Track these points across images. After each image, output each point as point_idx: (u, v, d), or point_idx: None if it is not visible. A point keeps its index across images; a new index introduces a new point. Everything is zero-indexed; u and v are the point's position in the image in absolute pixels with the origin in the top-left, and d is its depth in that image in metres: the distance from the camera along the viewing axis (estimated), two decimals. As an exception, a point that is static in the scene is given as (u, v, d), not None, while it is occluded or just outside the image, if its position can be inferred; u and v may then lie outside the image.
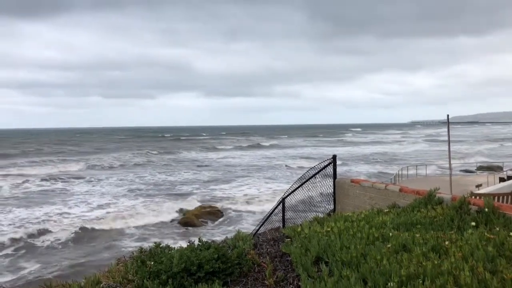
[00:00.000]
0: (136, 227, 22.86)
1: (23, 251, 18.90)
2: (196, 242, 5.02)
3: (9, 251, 18.88)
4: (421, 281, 3.29)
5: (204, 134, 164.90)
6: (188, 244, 5.10)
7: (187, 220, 24.05)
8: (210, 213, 25.76)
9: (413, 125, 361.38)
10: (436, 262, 3.64)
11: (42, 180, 40.15)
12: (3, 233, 21.34)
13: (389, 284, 3.33)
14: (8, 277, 15.80)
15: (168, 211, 26.23)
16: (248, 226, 21.75)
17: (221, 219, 24.88)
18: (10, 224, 23.11)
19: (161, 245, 5.01)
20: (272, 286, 4.09)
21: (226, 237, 6.18)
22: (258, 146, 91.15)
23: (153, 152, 73.68)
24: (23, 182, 38.81)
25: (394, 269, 3.57)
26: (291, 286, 4.05)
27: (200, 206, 26.98)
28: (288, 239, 5.40)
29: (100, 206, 28.15)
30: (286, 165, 51.93)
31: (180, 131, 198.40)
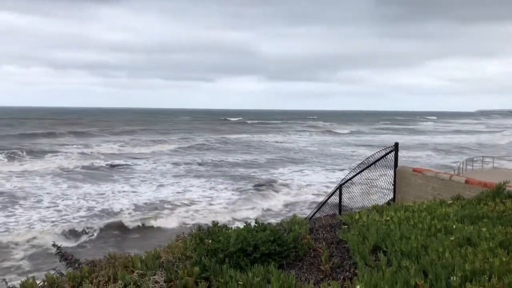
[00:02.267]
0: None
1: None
2: (253, 223, 5.07)
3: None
4: (487, 278, 3.12)
5: (274, 118, 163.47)
6: (245, 225, 5.17)
7: (242, 200, 24.62)
8: (264, 195, 26.17)
9: (487, 114, 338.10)
10: (504, 259, 3.45)
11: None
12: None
13: (451, 278, 3.19)
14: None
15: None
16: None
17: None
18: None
19: (218, 224, 5.11)
20: (328, 272, 4.06)
21: (282, 220, 6.20)
22: (333, 133, 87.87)
23: (231, 136, 73.49)
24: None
25: (457, 263, 3.42)
26: (347, 273, 4.00)
27: (256, 187, 27.49)
28: (345, 226, 5.33)
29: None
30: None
31: (240, 115, 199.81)
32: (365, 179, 10.55)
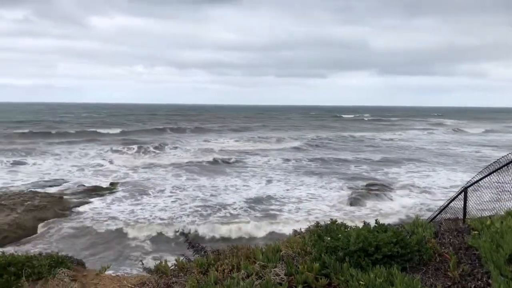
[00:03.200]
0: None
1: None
2: (372, 223, 4.95)
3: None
4: None
5: (389, 115, 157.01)
6: (364, 224, 5.07)
7: (354, 199, 24.11)
8: (377, 195, 25.34)
9: None
10: None
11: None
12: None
13: None
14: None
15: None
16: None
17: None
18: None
19: (337, 222, 5.08)
20: (457, 279, 3.82)
21: (403, 221, 5.95)
22: (461, 132, 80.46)
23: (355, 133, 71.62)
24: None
25: None
26: (479, 282, 3.72)
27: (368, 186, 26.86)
28: (474, 232, 4.94)
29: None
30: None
31: (353, 111, 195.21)
32: (495, 182, 9.64)
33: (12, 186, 26.39)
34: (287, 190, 26.62)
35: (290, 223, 19.22)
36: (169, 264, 4.37)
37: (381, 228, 4.77)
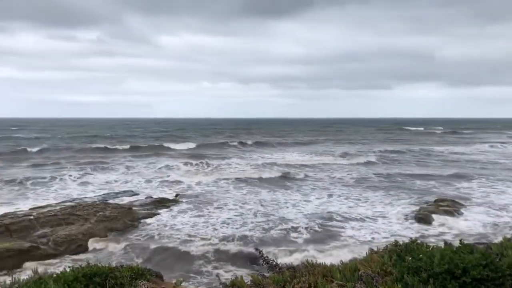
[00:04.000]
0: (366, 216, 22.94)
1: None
2: (456, 243, 4.67)
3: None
4: None
5: (460, 127, 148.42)
6: (445, 243, 4.80)
7: (421, 216, 22.97)
8: (447, 212, 23.93)
9: None
10: None
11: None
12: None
13: None
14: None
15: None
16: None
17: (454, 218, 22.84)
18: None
19: (417, 241, 4.85)
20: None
21: (489, 242, 5.56)
22: None
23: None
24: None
25: None
26: None
27: (437, 202, 25.47)
28: None
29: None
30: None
31: (422, 123, 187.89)
32: None
33: (86, 197, 27.83)
34: (350, 207, 25.90)
35: (352, 243, 18.77)
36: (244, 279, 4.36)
37: (466, 248, 4.50)
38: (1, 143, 69.27)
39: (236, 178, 35.91)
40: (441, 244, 5.21)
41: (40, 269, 5.14)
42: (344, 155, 56.32)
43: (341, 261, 4.57)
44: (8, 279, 4.69)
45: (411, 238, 4.95)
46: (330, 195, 29.20)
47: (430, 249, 4.55)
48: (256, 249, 5.35)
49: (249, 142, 76.48)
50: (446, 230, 20.90)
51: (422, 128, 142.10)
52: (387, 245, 5.08)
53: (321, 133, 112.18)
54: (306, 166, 45.24)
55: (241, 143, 74.79)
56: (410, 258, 4.35)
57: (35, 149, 55.18)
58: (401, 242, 5.00)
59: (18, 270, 15.59)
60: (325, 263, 4.75)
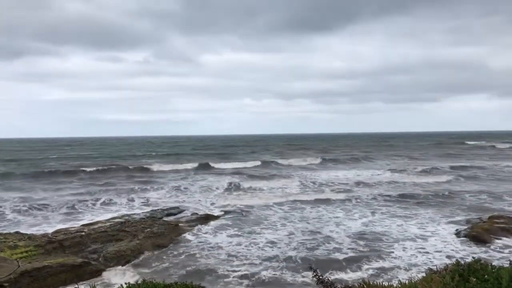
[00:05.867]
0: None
1: None
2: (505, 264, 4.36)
3: None
4: None
5: None
6: (510, 263, 4.50)
7: (475, 234, 21.76)
8: (504, 229, 22.59)
9: None
10: None
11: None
12: None
13: None
14: None
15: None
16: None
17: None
18: None
19: (481, 261, 4.56)
20: None
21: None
22: None
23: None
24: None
25: None
26: None
27: (491, 219, 24.18)
28: None
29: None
30: None
31: (478, 137, 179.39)
32: None
33: (134, 214, 28.44)
34: (400, 225, 24.99)
35: (401, 263, 18.09)
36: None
37: (537, 269, 4.18)
38: (57, 162, 72.45)
39: (282, 195, 35.67)
40: (506, 264, 4.89)
41: (98, 286, 5.21)
42: (395, 170, 54.43)
43: (399, 281, 4.35)
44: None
45: (474, 257, 4.66)
46: (375, 213, 28.48)
47: (497, 269, 4.26)
48: (311, 268, 5.21)
49: (293, 158, 75.90)
50: (506, 250, 19.77)
51: (484, 142, 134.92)
52: (447, 265, 4.81)
53: (374, 148, 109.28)
54: (356, 182, 44.33)
55: (286, 159, 74.07)
56: (474, 279, 4.09)
57: (88, 169, 57.21)
58: (463, 262, 4.72)
59: (72, 285, 16.02)
60: (382, 283, 4.55)
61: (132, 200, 34.62)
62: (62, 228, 23.49)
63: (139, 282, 4.71)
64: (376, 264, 17.92)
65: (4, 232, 21.81)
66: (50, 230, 23.64)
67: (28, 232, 22.31)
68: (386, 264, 18.02)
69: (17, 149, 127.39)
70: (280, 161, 71.19)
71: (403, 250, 19.86)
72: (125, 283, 4.81)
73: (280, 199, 34.32)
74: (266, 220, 26.82)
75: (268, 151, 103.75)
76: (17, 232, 21.44)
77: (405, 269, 17.01)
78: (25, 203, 32.21)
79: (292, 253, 19.60)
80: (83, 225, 24.66)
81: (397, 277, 14.33)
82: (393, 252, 19.62)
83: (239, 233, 23.50)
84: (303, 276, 16.41)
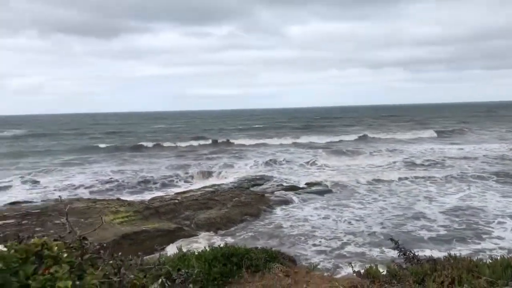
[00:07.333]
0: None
1: None
2: None
3: None
4: None
5: None
6: None
7: None
8: None
9: None
10: None
11: None
12: None
13: None
14: None
15: None
16: None
17: None
18: None
19: None
20: None
21: None
22: None
23: None
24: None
25: None
26: None
27: None
28: None
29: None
30: None
31: None
32: None
33: (223, 184, 29.56)
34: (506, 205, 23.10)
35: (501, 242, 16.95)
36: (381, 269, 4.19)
37: None
38: (153, 135, 77.18)
39: (372, 166, 34.83)
40: None
41: (184, 248, 5.59)
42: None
43: (490, 256, 4.12)
44: (157, 255, 5.20)
45: None
46: (479, 189, 26.79)
47: None
48: (392, 240, 5.10)
49: (383, 132, 73.19)
50: None
51: None
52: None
53: (477, 119, 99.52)
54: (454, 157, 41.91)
55: (376, 132, 71.58)
56: None
57: (181, 144, 60.15)
58: None
59: (164, 247, 17.22)
60: (470, 257, 4.34)
61: (219, 172, 35.96)
62: (158, 196, 25.17)
63: (221, 246, 4.95)
64: (473, 246, 16.97)
65: (107, 199, 23.92)
66: (147, 197, 25.43)
67: (128, 199, 24.21)
68: (486, 245, 16.98)
69: (116, 123, 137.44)
70: (372, 135, 67.58)
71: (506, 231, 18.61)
72: (209, 246, 5.09)
73: (372, 175, 32.94)
74: (354, 194, 26.43)
75: (360, 123, 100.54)
76: (118, 199, 23.43)
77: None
78: (125, 174, 34.84)
79: (378, 229, 19.18)
80: (176, 193, 26.18)
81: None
82: (492, 232, 18.47)
83: (325, 206, 23.47)
84: (385, 252, 16.09)
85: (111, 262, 1.83)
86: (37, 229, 17.59)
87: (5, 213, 19.85)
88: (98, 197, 25.18)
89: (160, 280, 2.26)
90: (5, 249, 1.57)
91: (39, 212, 19.96)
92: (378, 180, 30.38)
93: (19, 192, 28.33)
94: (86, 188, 29.26)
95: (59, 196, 24.40)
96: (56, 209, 19.74)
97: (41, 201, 24.10)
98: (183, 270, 2.78)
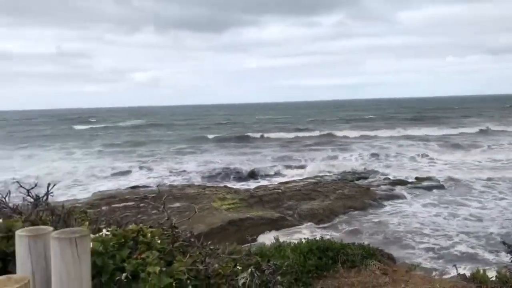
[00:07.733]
0: None
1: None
2: None
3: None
4: None
5: None
6: None
7: None
8: None
9: None
10: None
11: None
12: None
13: None
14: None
15: None
16: None
17: None
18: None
19: None
20: None
21: None
22: None
23: None
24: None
25: None
26: None
27: None
28: None
29: None
30: None
31: None
32: None
33: (326, 176, 29.31)
34: None
35: None
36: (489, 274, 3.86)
37: None
38: (259, 126, 79.12)
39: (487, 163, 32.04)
40: None
41: (282, 238, 5.69)
42: None
43: None
44: (257, 243, 5.36)
45: None
46: None
47: None
48: (504, 243, 4.66)
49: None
50: None
51: None
52: None
53: None
54: None
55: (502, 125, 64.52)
56: None
57: (285, 135, 60.88)
58: None
59: (255, 237, 17.55)
60: None
61: (321, 163, 35.68)
62: (262, 185, 25.80)
63: (317, 239, 4.94)
64: None
65: (215, 186, 25.15)
66: (252, 186, 26.20)
67: (234, 187, 25.19)
68: None
69: (225, 114, 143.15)
70: (495, 127, 60.65)
71: None
72: (304, 239, 5.11)
73: (492, 171, 30.01)
74: (470, 191, 24.49)
75: (480, 115, 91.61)
76: (225, 186, 24.50)
77: None
78: (232, 163, 36.23)
79: (496, 230, 17.60)
80: (280, 183, 26.59)
81: None
82: None
83: (436, 203, 22.12)
84: (501, 257, 14.65)
85: (199, 251, 1.93)
86: (153, 211, 19.12)
87: (127, 196, 21.86)
88: (207, 184, 26.61)
89: (249, 269, 2.34)
90: (108, 233, 1.76)
91: (155, 196, 21.66)
92: (499, 178, 27.73)
93: (138, 177, 31.00)
94: (197, 173, 31.13)
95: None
96: (170, 194, 21.25)
97: (157, 186, 26.11)
98: (271, 262, 2.84)
